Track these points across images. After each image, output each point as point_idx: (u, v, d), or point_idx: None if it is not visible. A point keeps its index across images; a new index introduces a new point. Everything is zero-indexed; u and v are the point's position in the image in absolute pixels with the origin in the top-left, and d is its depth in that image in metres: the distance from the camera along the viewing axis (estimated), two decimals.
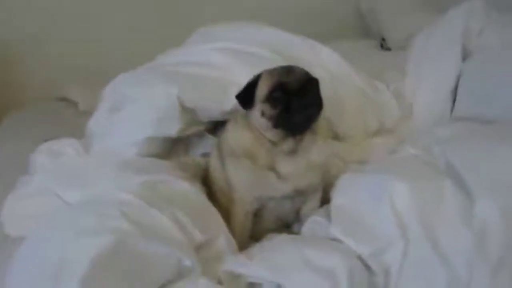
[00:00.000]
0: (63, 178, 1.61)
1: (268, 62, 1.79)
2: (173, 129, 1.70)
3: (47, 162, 1.75)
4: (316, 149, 1.53)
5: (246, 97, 1.48)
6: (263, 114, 1.44)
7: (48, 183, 1.61)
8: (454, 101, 2.07)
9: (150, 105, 1.69)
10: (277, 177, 1.49)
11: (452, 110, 2.06)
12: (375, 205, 1.38)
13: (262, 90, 1.45)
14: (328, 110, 1.85)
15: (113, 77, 2.02)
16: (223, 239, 1.42)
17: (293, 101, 1.40)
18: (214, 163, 1.66)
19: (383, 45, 3.26)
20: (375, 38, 3.42)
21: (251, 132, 1.49)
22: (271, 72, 1.48)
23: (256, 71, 1.51)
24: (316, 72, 1.85)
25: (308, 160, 1.52)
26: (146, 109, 1.70)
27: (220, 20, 2.24)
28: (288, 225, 1.69)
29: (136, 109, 1.72)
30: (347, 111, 1.96)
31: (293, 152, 1.49)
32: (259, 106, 1.45)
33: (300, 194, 1.56)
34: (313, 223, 1.51)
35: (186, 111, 1.71)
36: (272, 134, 1.46)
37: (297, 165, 1.50)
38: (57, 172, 1.65)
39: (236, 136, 1.54)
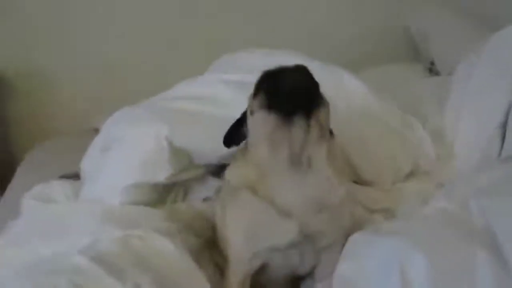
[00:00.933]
0: (43, 229, 1.43)
1: None
2: (162, 175, 1.50)
3: (35, 207, 1.59)
4: (327, 184, 1.27)
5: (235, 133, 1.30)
6: (252, 112, 1.23)
7: (27, 233, 1.44)
8: (503, 138, 1.74)
9: (137, 147, 1.50)
10: (279, 213, 1.23)
11: (501, 149, 1.73)
12: (383, 279, 1.11)
13: (250, 101, 1.26)
14: (352, 152, 1.64)
15: None
16: None
17: (279, 79, 1.18)
18: (216, 210, 1.44)
19: (432, 70, 2.95)
20: (424, 62, 3.12)
21: (250, 162, 1.27)
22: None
23: None
24: (337, 107, 1.63)
25: (315, 188, 1.24)
26: (132, 151, 1.51)
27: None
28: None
29: (122, 151, 1.54)
30: (374, 154, 1.71)
31: (296, 167, 1.22)
32: (249, 113, 1.25)
33: (310, 241, 1.27)
34: None
35: (179, 154, 1.50)
36: (266, 126, 1.19)
37: (300, 192, 1.23)
38: (38, 222, 1.48)
39: (235, 170, 1.33)
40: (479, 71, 1.89)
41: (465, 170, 1.71)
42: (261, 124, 1.21)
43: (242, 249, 1.29)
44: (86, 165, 1.66)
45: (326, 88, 1.72)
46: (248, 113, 1.27)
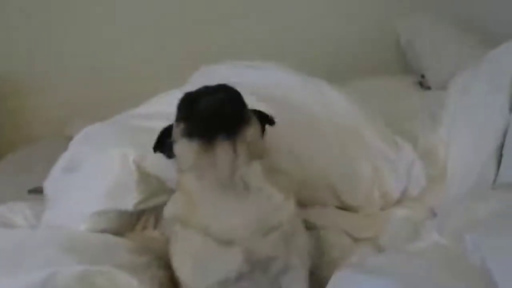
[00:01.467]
0: None
1: None
2: (129, 202, 1.37)
3: None
4: (270, 203, 1.15)
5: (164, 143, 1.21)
6: (176, 139, 1.14)
7: None
8: (499, 163, 1.63)
9: (102, 171, 1.37)
10: (218, 244, 1.11)
11: (496, 175, 1.62)
12: None
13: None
14: (334, 174, 1.52)
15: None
16: None
17: (197, 95, 1.10)
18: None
19: (422, 83, 2.84)
20: (415, 75, 3.01)
21: (181, 191, 1.18)
22: None
23: None
24: (321, 125, 1.52)
25: (257, 209, 1.13)
26: (98, 176, 1.37)
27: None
28: None
29: (87, 175, 1.40)
30: (359, 177, 1.59)
31: (226, 189, 1.11)
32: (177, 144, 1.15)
33: (261, 268, 1.15)
34: None
35: (148, 178, 1.38)
36: (190, 153, 1.10)
37: (239, 215, 1.11)
38: None
39: (169, 202, 1.23)
40: (475, 88, 1.78)
41: (458, 195, 1.59)
42: (184, 153, 1.12)
43: (191, 285, 1.18)
44: (49, 187, 1.53)
45: (313, 108, 1.63)
46: (173, 140, 1.17)
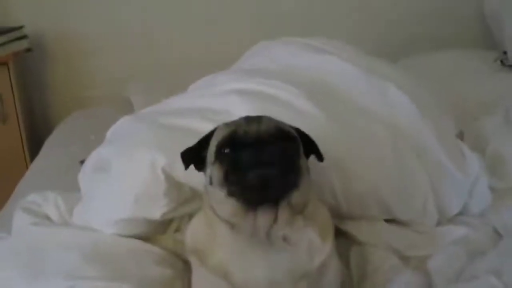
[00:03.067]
0: (19, 260, 1.28)
1: (302, 120, 1.33)
2: (157, 212, 1.29)
3: (24, 224, 1.43)
4: (305, 245, 1.04)
5: (193, 157, 1.08)
6: (211, 180, 1.01)
7: (5, 261, 1.29)
8: None
9: (130, 177, 1.29)
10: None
11: None
12: None
13: (212, 148, 1.03)
14: (384, 185, 1.37)
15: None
16: None
17: (243, 154, 0.96)
18: None
19: (504, 61, 2.55)
20: (497, 51, 2.71)
21: (207, 216, 1.07)
22: (227, 123, 1.07)
23: None
24: (377, 132, 1.37)
25: (292, 260, 1.03)
26: (124, 181, 1.30)
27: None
28: None
29: (113, 180, 1.33)
30: (413, 190, 1.42)
31: (263, 243, 1.01)
32: (209, 171, 1.03)
33: None
34: None
35: (178, 187, 1.29)
36: (227, 208, 1.00)
37: (271, 267, 1.01)
38: (18, 250, 1.32)
39: (191, 226, 1.15)
40: None
41: None
42: (222, 204, 1.01)
43: None
44: (82, 181, 1.48)
45: (370, 106, 1.46)
46: (210, 164, 1.05)
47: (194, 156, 1.10)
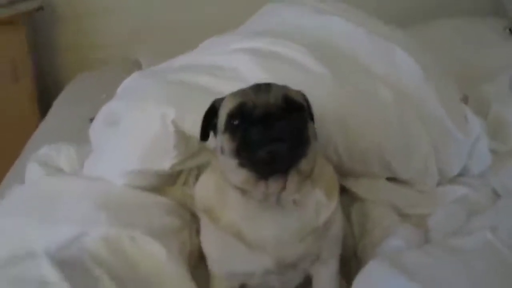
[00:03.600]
0: (34, 207, 1.33)
1: (307, 77, 1.36)
2: (167, 163, 1.33)
3: (38, 175, 1.48)
4: (312, 204, 1.09)
5: (205, 126, 1.11)
6: (222, 150, 1.04)
7: (20, 208, 1.35)
8: None
9: (141, 130, 1.32)
10: (248, 247, 1.07)
11: None
12: None
13: (222, 118, 1.06)
14: (388, 145, 1.41)
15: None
16: None
17: (253, 129, 0.98)
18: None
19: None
20: (506, 19, 2.70)
21: (217, 178, 1.10)
22: (235, 93, 1.09)
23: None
24: (380, 92, 1.39)
25: (299, 220, 1.07)
26: (136, 135, 1.33)
27: None
28: None
29: (124, 133, 1.37)
30: (416, 149, 1.46)
31: (273, 206, 1.05)
32: (219, 140, 1.07)
33: (289, 268, 1.12)
34: None
35: (187, 139, 1.33)
36: (238, 177, 1.04)
37: (280, 227, 1.06)
38: (32, 198, 1.37)
39: (200, 184, 1.18)
40: None
41: None
42: (233, 172, 1.04)
43: (215, 268, 1.18)
44: (93, 134, 1.52)
45: (375, 66, 1.49)
46: (220, 133, 1.08)
47: (204, 125, 1.13)
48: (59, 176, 1.45)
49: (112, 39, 3.00)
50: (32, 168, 1.51)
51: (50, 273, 1.03)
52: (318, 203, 1.10)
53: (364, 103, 1.41)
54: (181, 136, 1.31)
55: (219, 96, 1.16)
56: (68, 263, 1.08)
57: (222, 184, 1.09)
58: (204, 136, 1.13)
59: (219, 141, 1.07)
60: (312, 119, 1.13)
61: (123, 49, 2.88)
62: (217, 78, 1.40)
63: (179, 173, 1.44)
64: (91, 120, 1.62)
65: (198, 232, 1.28)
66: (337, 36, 1.58)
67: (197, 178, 1.44)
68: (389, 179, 1.51)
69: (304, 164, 1.04)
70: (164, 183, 1.41)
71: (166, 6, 2.96)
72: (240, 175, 1.02)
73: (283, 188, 1.03)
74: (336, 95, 1.36)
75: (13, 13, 2.58)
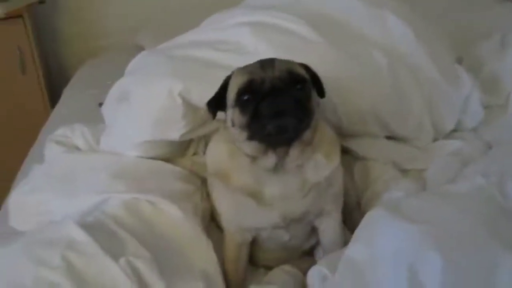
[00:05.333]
0: (56, 182, 1.42)
1: (305, 46, 1.44)
2: (176, 133, 1.41)
3: (56, 153, 1.57)
4: (312, 165, 1.19)
5: (217, 103, 1.19)
6: (233, 123, 1.14)
7: (43, 184, 1.44)
8: None
9: (150, 103, 1.40)
10: (258, 204, 1.18)
11: None
12: (393, 274, 1.01)
13: (231, 93, 1.15)
14: (385, 105, 1.49)
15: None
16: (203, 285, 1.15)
17: (263, 105, 1.08)
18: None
19: None
20: None
21: (228, 145, 1.21)
22: (243, 69, 1.16)
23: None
24: (374, 56, 1.47)
25: (301, 179, 1.18)
26: (145, 108, 1.41)
27: None
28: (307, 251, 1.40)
29: (135, 106, 1.44)
30: (412, 108, 1.54)
31: (278, 170, 1.16)
32: (229, 113, 1.16)
33: (296, 222, 1.24)
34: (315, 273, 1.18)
35: (195, 110, 1.41)
36: (249, 147, 1.15)
37: (285, 187, 1.18)
38: (54, 173, 1.46)
39: (211, 150, 1.28)
40: None
41: None
42: (243, 143, 1.15)
43: (229, 225, 1.28)
44: (106, 112, 1.61)
45: (369, 32, 1.56)
46: (230, 107, 1.17)
47: (217, 102, 1.21)
48: (75, 153, 1.54)
49: (115, 26, 3.06)
50: (50, 147, 1.60)
51: (78, 233, 1.11)
52: (317, 164, 1.20)
53: (359, 65, 1.49)
54: (189, 107, 1.39)
55: (223, 69, 1.26)
56: (93, 226, 1.16)
57: (232, 150, 1.19)
58: (214, 111, 1.22)
59: (229, 114, 1.16)
60: (320, 88, 1.22)
61: (126, 36, 2.91)
62: (221, 52, 1.48)
63: (188, 144, 1.53)
64: (100, 104, 1.71)
65: (208, 195, 1.39)
66: (333, 7, 1.65)
67: (205, 147, 1.53)
68: (388, 138, 1.58)
69: (307, 134, 1.15)
70: (175, 153, 1.50)
71: None
72: (250, 145, 1.14)
73: (288, 155, 1.14)
74: (331, 60, 1.44)
75: (17, 7, 2.65)
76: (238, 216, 1.23)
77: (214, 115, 1.21)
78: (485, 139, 1.56)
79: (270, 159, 1.14)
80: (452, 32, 1.97)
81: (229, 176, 1.20)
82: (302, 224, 1.26)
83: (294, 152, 1.15)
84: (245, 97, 1.10)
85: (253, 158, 1.16)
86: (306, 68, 1.20)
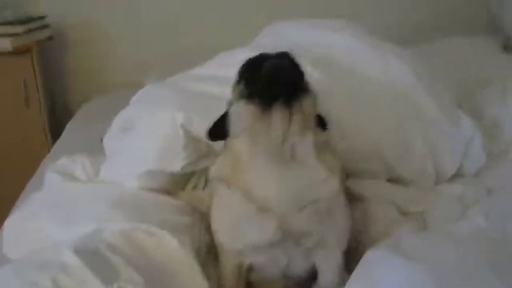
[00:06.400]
0: (54, 209, 1.41)
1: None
2: (177, 164, 1.42)
3: (55, 183, 1.57)
4: (313, 177, 1.16)
5: (217, 131, 1.21)
6: (231, 103, 1.16)
7: (40, 211, 1.43)
8: None
9: (152, 133, 1.42)
10: (256, 208, 1.14)
11: None
12: None
13: (234, 88, 1.19)
14: (387, 146, 1.49)
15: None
16: None
17: (263, 62, 1.11)
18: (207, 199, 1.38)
19: (508, 47, 2.64)
20: (501, 36, 2.80)
21: (230, 153, 1.19)
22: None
23: None
24: (376, 93, 1.48)
25: (298, 177, 1.14)
26: (148, 138, 1.43)
27: None
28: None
29: (138, 136, 1.46)
30: (414, 150, 1.54)
31: (275, 156, 1.12)
32: (232, 94, 1.19)
33: (294, 240, 1.18)
34: None
35: (196, 142, 1.41)
36: (245, 115, 1.11)
37: (281, 183, 1.13)
38: (52, 201, 1.45)
39: (217, 162, 1.26)
40: None
41: None
42: (240, 115, 1.12)
43: (225, 244, 1.25)
44: (107, 142, 1.61)
45: (371, 72, 1.58)
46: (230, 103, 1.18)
47: (218, 130, 1.21)
48: (75, 181, 1.53)
49: (123, 65, 3.11)
50: (50, 177, 1.60)
51: (70, 258, 1.10)
52: (317, 174, 1.16)
53: (361, 103, 1.50)
54: (190, 138, 1.40)
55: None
56: (87, 252, 1.15)
57: (234, 148, 1.17)
58: (214, 135, 1.22)
59: (233, 107, 1.16)
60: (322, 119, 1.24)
61: (133, 75, 2.95)
62: (224, 87, 1.49)
63: (189, 178, 1.52)
64: (102, 140, 1.72)
65: (206, 229, 1.37)
66: (337, 50, 1.68)
67: (206, 182, 1.53)
68: (389, 181, 1.58)
69: (307, 103, 1.11)
70: (175, 186, 1.49)
71: (174, 33, 3.08)
72: (247, 112, 1.10)
73: (287, 127, 1.09)
74: (333, 98, 1.44)
75: (27, 42, 2.70)
76: (235, 227, 1.19)
77: (213, 139, 1.23)
78: (487, 185, 1.55)
79: (266, 125, 1.08)
80: (454, 82, 2.00)
81: (230, 177, 1.18)
82: (300, 250, 1.21)
83: (295, 122, 1.09)
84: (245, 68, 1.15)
85: (252, 140, 1.12)
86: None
